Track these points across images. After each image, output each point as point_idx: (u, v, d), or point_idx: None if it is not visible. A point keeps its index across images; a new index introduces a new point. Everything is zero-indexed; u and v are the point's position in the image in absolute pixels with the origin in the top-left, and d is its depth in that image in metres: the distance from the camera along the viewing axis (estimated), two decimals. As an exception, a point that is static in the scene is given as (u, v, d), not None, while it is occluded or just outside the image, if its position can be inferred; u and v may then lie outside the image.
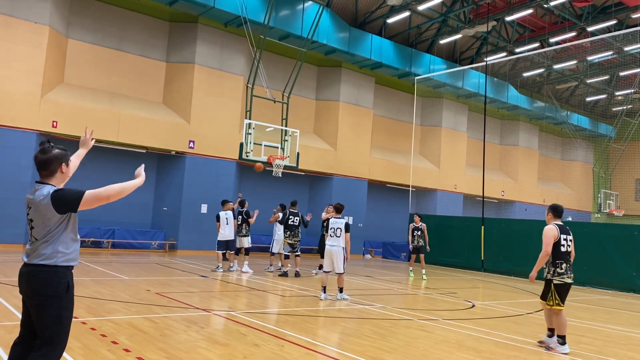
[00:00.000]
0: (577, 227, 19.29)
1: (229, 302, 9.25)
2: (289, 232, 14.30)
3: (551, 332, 7.11)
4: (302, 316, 8.43)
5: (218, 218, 14.53)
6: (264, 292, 11.12)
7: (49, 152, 3.54)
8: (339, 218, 10.65)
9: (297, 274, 14.10)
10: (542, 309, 7.51)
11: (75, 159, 4.06)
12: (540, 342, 7.19)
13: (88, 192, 3.45)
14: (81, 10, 19.29)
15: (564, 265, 6.94)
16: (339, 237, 10.39)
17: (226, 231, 14.40)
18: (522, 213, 32.35)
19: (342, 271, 10.45)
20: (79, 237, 3.68)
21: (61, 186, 3.61)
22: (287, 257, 15.08)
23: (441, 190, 29.20)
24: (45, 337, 3.40)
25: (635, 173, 36.26)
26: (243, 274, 13.99)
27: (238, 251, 15.27)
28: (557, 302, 6.90)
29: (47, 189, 3.47)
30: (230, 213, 14.68)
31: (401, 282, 14.94)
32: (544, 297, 7.07)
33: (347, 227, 10.45)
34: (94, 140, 4.23)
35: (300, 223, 14.42)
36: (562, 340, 6.86)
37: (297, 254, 14.35)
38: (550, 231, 7.01)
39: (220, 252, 14.54)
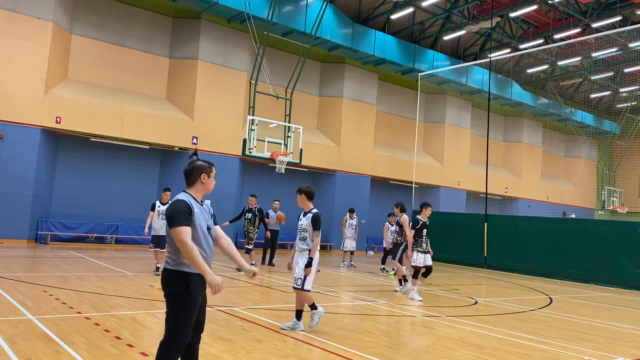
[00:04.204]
0: (580, 224, 19.30)
1: (232, 298, 9.27)
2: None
3: None
4: (305, 312, 8.44)
5: (153, 207, 12.22)
6: (267, 288, 11.14)
7: (192, 163, 3.95)
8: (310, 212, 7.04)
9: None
10: (545, 306, 7.50)
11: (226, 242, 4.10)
12: None
13: (181, 229, 3.65)
14: (85, 6, 19.31)
15: None
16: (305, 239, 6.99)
17: (158, 225, 11.94)
18: (526, 210, 32.29)
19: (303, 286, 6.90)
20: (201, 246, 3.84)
21: (199, 195, 3.94)
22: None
23: (444, 186, 29.17)
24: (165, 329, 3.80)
25: (639, 170, 36.14)
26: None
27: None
28: None
29: (176, 197, 3.85)
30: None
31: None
32: None
33: (315, 223, 6.92)
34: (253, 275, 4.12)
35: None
36: None
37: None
38: None
39: (151, 249, 12.07)
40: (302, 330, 6.87)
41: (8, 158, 16.76)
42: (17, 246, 16.27)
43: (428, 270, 10.62)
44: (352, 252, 17.36)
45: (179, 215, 3.66)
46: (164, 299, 3.80)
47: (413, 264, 10.60)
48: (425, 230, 10.66)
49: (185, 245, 3.59)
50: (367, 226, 25.20)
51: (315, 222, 6.85)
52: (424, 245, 10.62)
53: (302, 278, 6.83)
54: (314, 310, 6.96)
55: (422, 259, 10.58)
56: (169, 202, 12.36)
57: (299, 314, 6.97)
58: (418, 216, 10.75)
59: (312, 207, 7.02)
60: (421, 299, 10.45)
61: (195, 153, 4.05)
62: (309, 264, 6.78)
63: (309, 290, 6.90)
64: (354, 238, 17.46)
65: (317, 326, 7.05)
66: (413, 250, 10.65)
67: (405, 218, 12.05)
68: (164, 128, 19.82)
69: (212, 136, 20.79)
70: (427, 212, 10.70)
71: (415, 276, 10.63)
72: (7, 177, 16.70)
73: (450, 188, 29.38)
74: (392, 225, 15.56)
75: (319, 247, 6.95)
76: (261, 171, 22.80)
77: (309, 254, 6.84)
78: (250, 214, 14.02)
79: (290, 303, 9.04)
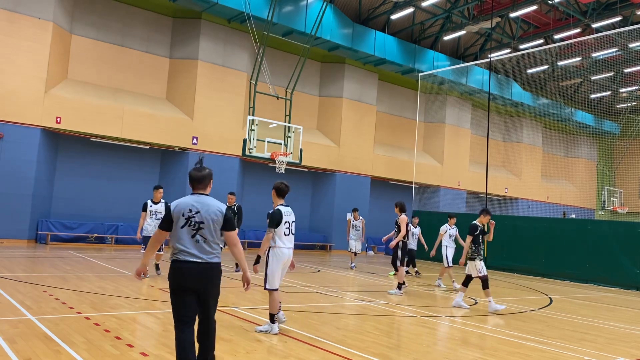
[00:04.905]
0: (580, 224, 19.30)
1: (231, 298, 9.27)
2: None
3: None
4: (304, 312, 8.44)
5: (144, 208, 11.53)
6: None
7: (204, 170, 4.51)
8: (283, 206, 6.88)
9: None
10: (545, 306, 7.49)
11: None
12: None
13: (234, 233, 4.53)
14: (85, 6, 19.31)
15: None
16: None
17: (151, 226, 11.32)
18: (526, 210, 32.28)
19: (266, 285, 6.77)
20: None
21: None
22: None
23: (444, 186, 29.16)
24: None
25: (639, 170, 36.14)
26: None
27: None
28: None
29: (216, 204, 4.44)
30: (161, 206, 11.55)
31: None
32: None
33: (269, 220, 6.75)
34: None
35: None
36: None
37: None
38: None
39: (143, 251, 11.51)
40: (275, 334, 6.49)
41: (8, 158, 16.75)
42: (17, 246, 16.27)
43: (468, 279, 10.02)
44: (355, 253, 17.20)
45: (233, 222, 4.43)
46: (215, 290, 4.36)
47: (480, 274, 9.86)
48: (481, 237, 10.06)
49: (240, 245, 4.38)
50: (367, 226, 25.10)
51: (270, 219, 6.64)
52: (481, 251, 10.02)
53: (264, 277, 6.71)
54: (271, 323, 6.56)
55: (483, 266, 9.98)
56: (161, 201, 12.28)
57: (271, 317, 6.62)
58: (476, 221, 10.10)
59: (281, 203, 6.77)
60: (504, 306, 9.84)
61: (201, 160, 4.63)
62: (256, 261, 6.53)
63: (273, 290, 6.60)
64: (360, 239, 17.08)
65: (318, 325, 7.02)
66: (475, 259, 9.95)
67: (403, 218, 11.50)
68: (164, 128, 19.82)
69: (212, 136, 20.79)
70: (486, 219, 10.19)
71: (486, 286, 9.83)
72: (7, 177, 16.70)
73: (450, 188, 29.37)
74: (417, 227, 15.63)
75: (284, 245, 6.67)
76: (261, 171, 22.79)
77: (264, 251, 6.62)
78: (230, 212, 13.66)
79: (290, 303, 9.03)
